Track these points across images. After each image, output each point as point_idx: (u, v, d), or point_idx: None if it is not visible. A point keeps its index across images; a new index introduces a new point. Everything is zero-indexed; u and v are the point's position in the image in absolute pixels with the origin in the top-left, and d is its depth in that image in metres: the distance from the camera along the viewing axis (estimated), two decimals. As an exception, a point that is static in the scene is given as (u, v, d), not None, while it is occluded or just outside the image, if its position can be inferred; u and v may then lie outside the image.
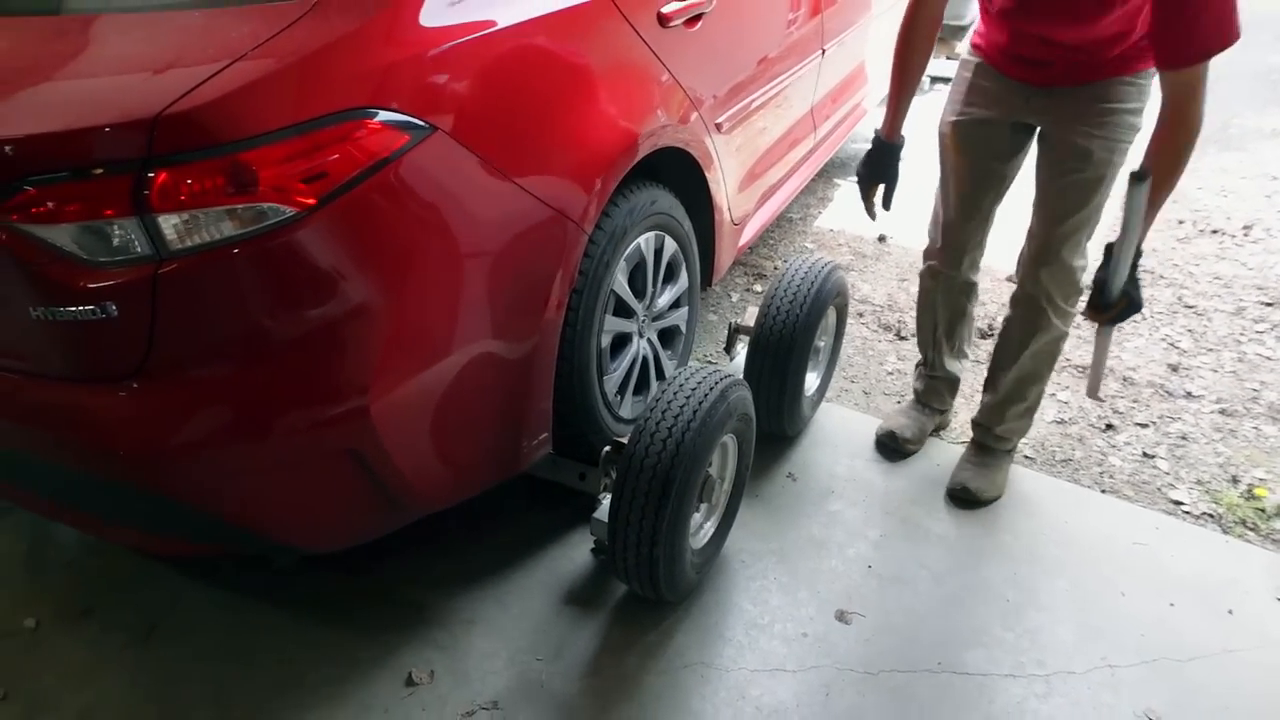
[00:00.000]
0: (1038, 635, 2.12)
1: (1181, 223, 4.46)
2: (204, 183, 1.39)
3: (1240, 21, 1.79)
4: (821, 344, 2.78)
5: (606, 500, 2.07)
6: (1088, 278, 2.25)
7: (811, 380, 2.76)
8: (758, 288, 3.68)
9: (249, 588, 2.21)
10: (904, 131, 2.40)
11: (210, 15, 1.63)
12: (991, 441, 2.61)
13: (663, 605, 2.13)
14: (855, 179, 2.46)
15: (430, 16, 1.64)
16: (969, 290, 2.65)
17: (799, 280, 2.50)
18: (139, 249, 1.43)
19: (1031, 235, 2.34)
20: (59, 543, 2.39)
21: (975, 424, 2.65)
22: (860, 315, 3.49)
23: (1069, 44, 2.07)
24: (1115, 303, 2.01)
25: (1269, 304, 3.69)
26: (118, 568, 2.29)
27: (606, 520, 1.98)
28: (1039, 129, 2.29)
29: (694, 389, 1.95)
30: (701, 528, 2.18)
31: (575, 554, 2.29)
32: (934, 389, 2.79)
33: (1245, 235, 4.35)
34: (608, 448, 2.06)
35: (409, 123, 1.56)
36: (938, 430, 2.83)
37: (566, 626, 2.10)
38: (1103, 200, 2.23)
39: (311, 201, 1.45)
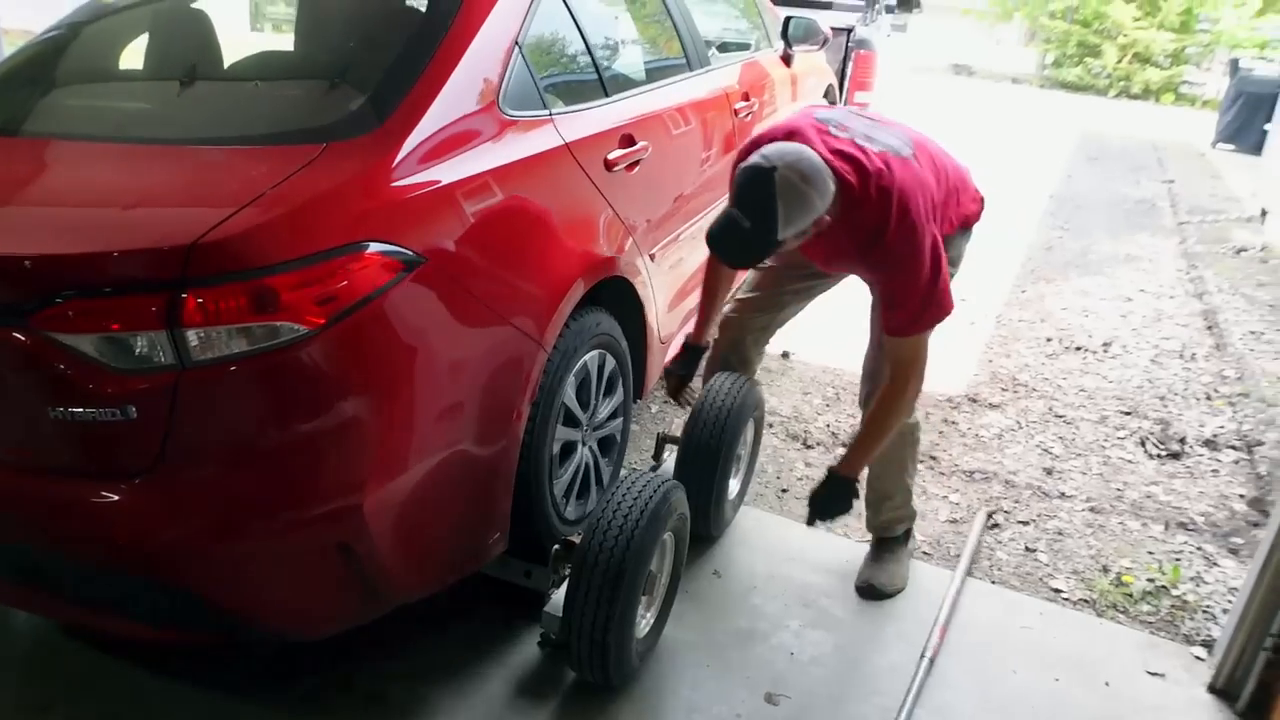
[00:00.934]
0: (942, 711, 2.35)
1: (1049, 340, 4.94)
2: (231, 302, 1.59)
3: (952, 298, 2.30)
4: (742, 453, 3.02)
5: (556, 594, 2.25)
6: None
7: (733, 486, 2.98)
8: (657, 393, 3.94)
9: (210, 680, 2.29)
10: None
11: (232, 152, 1.85)
12: (883, 533, 2.84)
13: (608, 691, 2.30)
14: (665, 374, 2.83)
15: (411, 169, 1.89)
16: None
17: (723, 395, 2.75)
18: (163, 358, 1.60)
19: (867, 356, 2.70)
20: (12, 640, 2.44)
21: (867, 523, 2.88)
22: (770, 426, 3.78)
23: None
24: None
25: (1128, 413, 4.12)
26: (74, 663, 2.34)
27: (559, 613, 2.17)
28: None
29: (640, 491, 2.18)
30: (643, 618, 2.37)
31: (523, 645, 2.44)
32: None
33: (1105, 351, 4.84)
34: (558, 546, 2.26)
35: (403, 254, 1.79)
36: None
37: (521, 712, 2.25)
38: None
39: (322, 321, 1.66)
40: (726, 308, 2.92)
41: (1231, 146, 12.01)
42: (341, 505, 1.75)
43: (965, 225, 2.61)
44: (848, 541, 3.04)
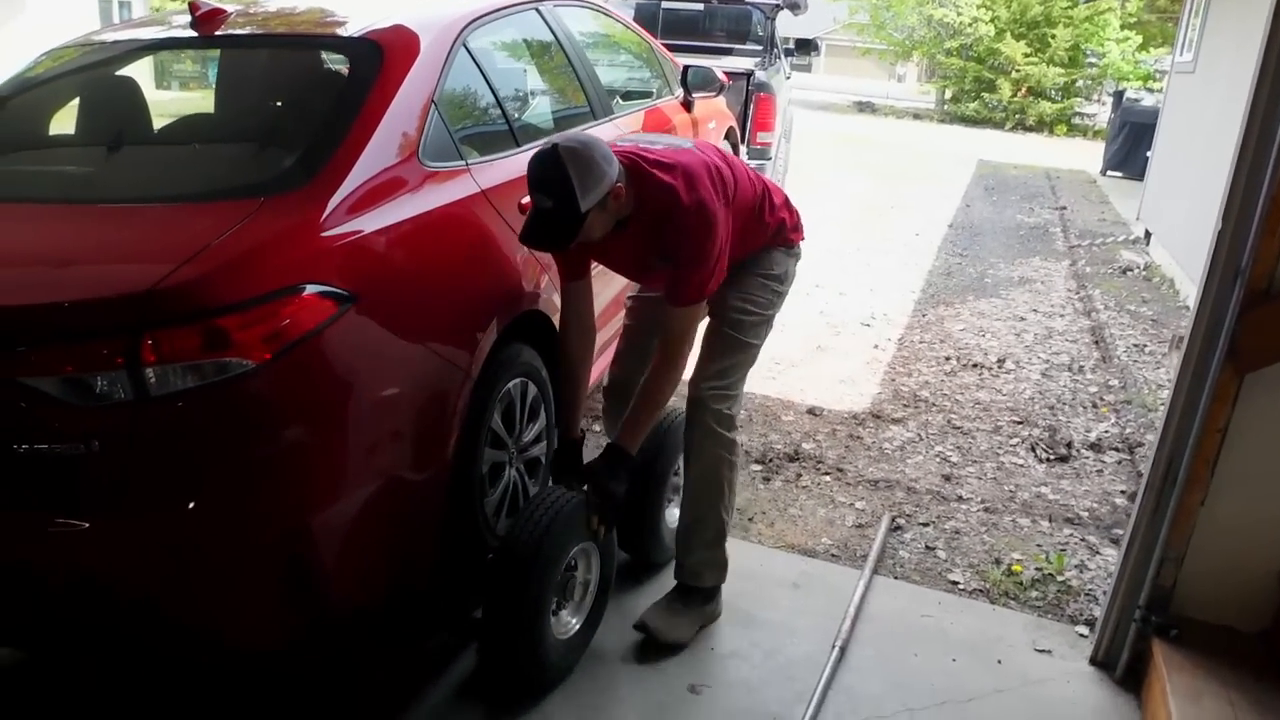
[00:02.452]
0: (851, 691, 2.58)
1: (948, 359, 5.27)
2: (185, 343, 1.77)
3: (723, 274, 2.49)
4: (678, 480, 3.10)
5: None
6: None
7: (672, 513, 3.09)
8: (596, 427, 4.15)
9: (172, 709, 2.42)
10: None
11: (177, 209, 2.05)
12: (689, 580, 2.76)
13: (547, 686, 2.47)
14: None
15: (340, 218, 2.10)
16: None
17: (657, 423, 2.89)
18: (122, 395, 1.77)
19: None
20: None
21: (675, 566, 2.81)
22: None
23: None
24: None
25: (1020, 422, 4.45)
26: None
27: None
28: None
29: (554, 502, 2.40)
30: (569, 623, 2.55)
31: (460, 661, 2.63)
32: None
33: (1000, 367, 5.19)
34: (491, 555, 2.46)
35: (338, 294, 1.98)
36: None
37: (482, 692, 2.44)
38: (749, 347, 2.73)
39: (268, 356, 1.85)
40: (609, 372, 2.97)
41: (1120, 174, 12.73)
42: (290, 524, 1.93)
43: (788, 243, 2.80)
44: (762, 548, 3.27)
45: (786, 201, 2.83)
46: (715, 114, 5.22)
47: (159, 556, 1.85)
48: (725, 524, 2.76)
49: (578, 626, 2.58)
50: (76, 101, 2.84)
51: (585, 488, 2.50)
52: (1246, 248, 2.23)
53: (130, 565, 1.84)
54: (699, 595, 2.78)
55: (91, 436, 1.78)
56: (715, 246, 2.41)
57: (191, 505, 1.84)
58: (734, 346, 2.70)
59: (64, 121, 2.81)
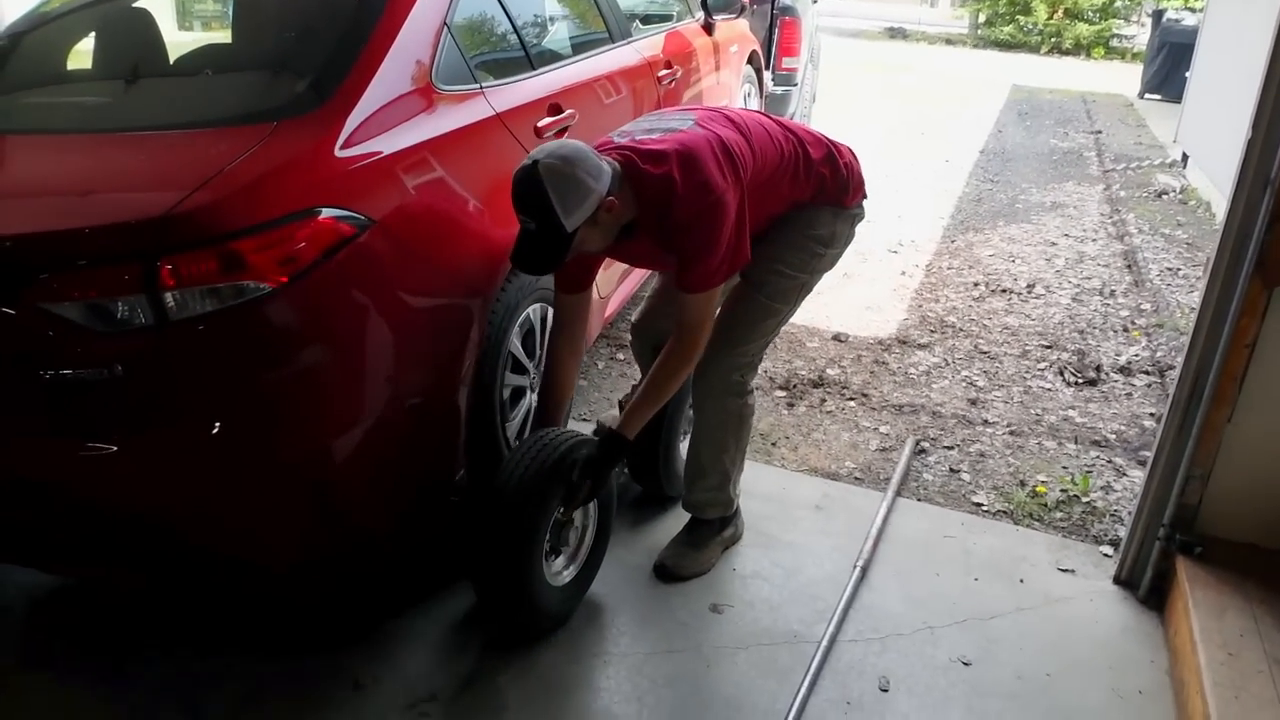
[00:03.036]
0: (872, 610, 2.61)
1: (977, 285, 5.22)
2: (202, 267, 1.79)
3: (748, 250, 2.32)
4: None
5: None
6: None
7: (685, 447, 3.01)
8: (620, 355, 4.17)
9: (205, 625, 2.50)
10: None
11: (191, 135, 2.06)
12: (696, 513, 2.78)
13: (544, 632, 2.46)
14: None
15: (354, 141, 2.10)
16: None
17: None
18: (143, 320, 1.80)
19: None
20: (9, 597, 2.62)
21: (683, 500, 2.82)
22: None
23: None
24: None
25: (1048, 346, 4.41)
26: (72, 617, 2.54)
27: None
28: None
29: (539, 451, 2.30)
30: (565, 569, 2.51)
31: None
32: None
33: (1029, 292, 5.13)
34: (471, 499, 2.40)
35: (354, 218, 1.99)
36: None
37: (485, 631, 2.47)
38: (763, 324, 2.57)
39: (284, 279, 1.86)
40: (638, 310, 2.85)
41: (1158, 96, 12.39)
42: (312, 445, 1.96)
43: (836, 203, 2.57)
44: (785, 472, 3.28)
45: (835, 159, 2.55)
46: (738, 38, 5.14)
47: (185, 478, 1.89)
48: (730, 473, 2.72)
49: (574, 574, 2.53)
50: (92, 35, 2.84)
51: (579, 465, 2.33)
52: (1277, 157, 2.17)
53: (158, 487, 1.88)
54: (707, 527, 2.78)
55: (115, 361, 1.81)
56: (724, 230, 2.21)
57: (215, 427, 1.87)
58: (756, 312, 2.55)
59: (81, 56, 2.82)
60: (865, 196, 2.66)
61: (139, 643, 2.44)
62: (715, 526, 2.78)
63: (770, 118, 2.55)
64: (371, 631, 2.46)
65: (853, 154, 2.65)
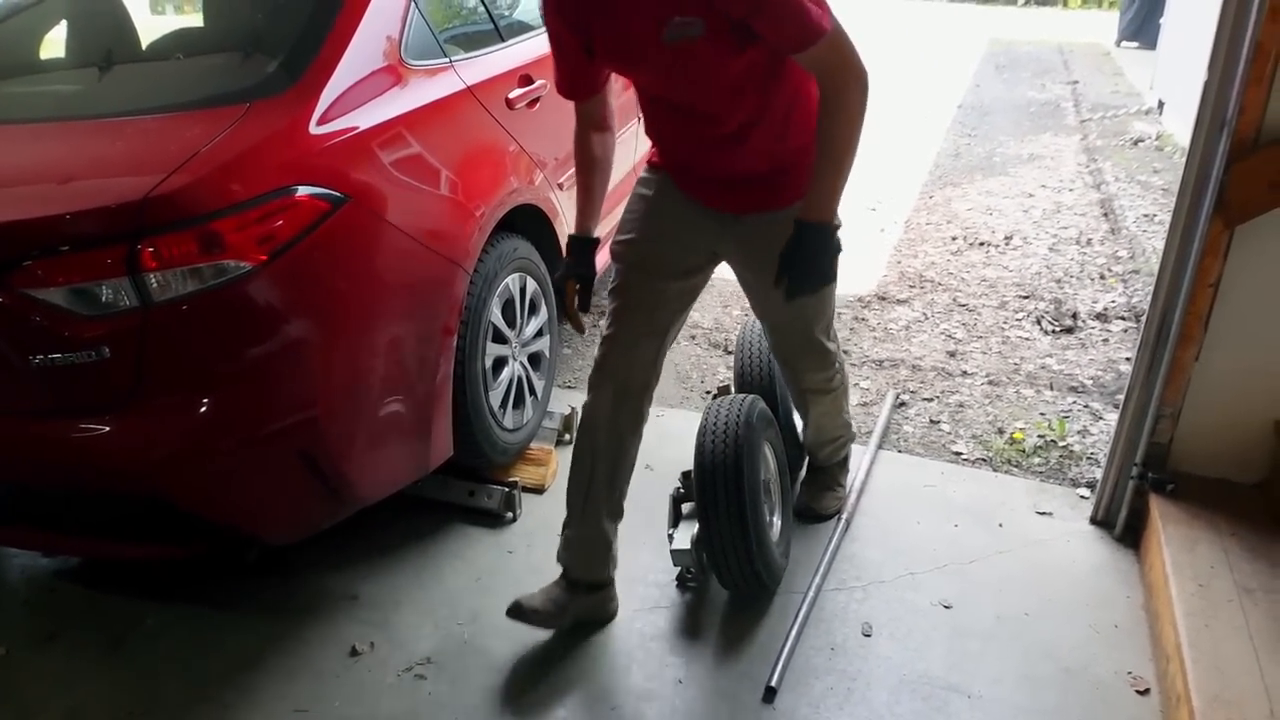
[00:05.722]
0: (854, 559, 2.67)
1: (955, 239, 5.27)
2: (182, 248, 1.83)
3: None
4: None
5: (677, 533, 2.44)
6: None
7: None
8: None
9: (203, 599, 2.55)
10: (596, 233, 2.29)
11: (165, 119, 2.09)
12: (824, 462, 2.86)
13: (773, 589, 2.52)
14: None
15: (326, 119, 2.13)
16: (635, 427, 2.35)
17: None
18: (127, 302, 1.84)
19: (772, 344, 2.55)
20: (8, 586, 2.68)
21: (809, 456, 2.91)
22: (693, 338, 4.06)
23: (738, 166, 2.12)
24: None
25: (1026, 297, 4.47)
26: (70, 598, 2.60)
27: (688, 546, 2.38)
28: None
29: (729, 408, 2.37)
30: (773, 524, 2.52)
31: (471, 542, 2.73)
32: (578, 555, 2.38)
33: (1007, 244, 5.18)
34: (678, 485, 2.48)
35: (329, 195, 2.03)
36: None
37: (477, 596, 2.53)
38: (831, 295, 2.37)
39: (264, 258, 1.90)
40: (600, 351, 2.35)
41: (1135, 43, 12.39)
42: (299, 418, 2.02)
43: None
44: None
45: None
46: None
47: (176, 453, 1.94)
48: (850, 422, 2.82)
49: (780, 525, 2.59)
50: (64, 24, 2.86)
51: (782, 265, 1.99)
52: (1231, 98, 2.22)
53: (151, 463, 1.93)
54: (841, 464, 2.91)
55: (103, 343, 1.86)
56: None
57: (203, 405, 1.92)
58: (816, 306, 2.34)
59: (53, 45, 2.84)
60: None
61: (138, 617, 2.49)
62: (843, 463, 2.92)
63: None
64: (365, 600, 2.52)
65: None
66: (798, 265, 1.97)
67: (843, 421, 2.79)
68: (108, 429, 1.90)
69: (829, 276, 2.00)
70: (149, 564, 2.61)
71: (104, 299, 1.85)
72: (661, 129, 2.20)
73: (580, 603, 2.36)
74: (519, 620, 2.27)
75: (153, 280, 1.83)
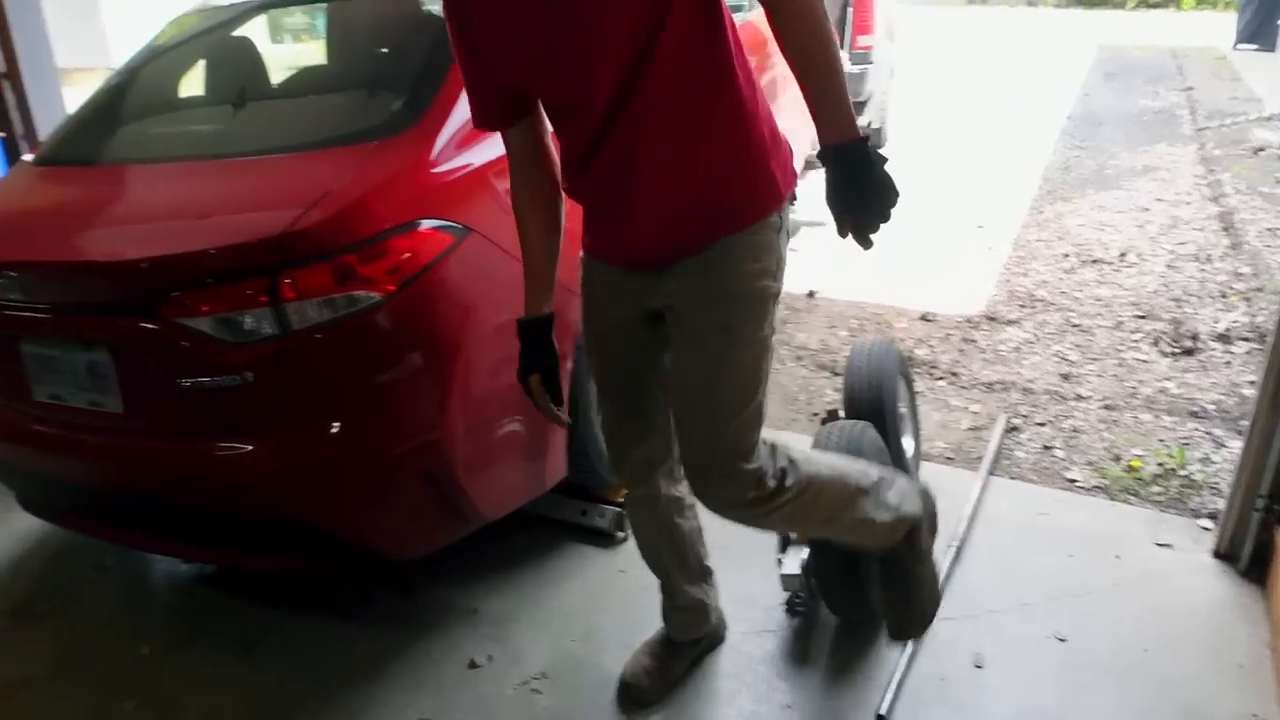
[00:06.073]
0: (967, 589, 2.64)
1: (1066, 256, 5.16)
2: (318, 279, 1.94)
3: None
4: (904, 410, 2.95)
5: (788, 556, 2.43)
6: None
7: (908, 442, 2.95)
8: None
9: (332, 609, 2.68)
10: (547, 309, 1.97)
11: (298, 158, 2.24)
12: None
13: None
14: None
15: (446, 155, 2.24)
16: (678, 507, 2.17)
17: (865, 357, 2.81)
18: (268, 330, 1.95)
19: (683, 445, 1.90)
20: (153, 589, 2.85)
21: None
22: (799, 359, 4.07)
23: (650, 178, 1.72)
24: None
25: (1143, 316, 4.35)
26: (208, 602, 2.77)
27: (797, 571, 2.36)
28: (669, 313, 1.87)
29: (840, 434, 2.33)
30: None
31: (585, 560, 2.80)
32: (677, 624, 2.35)
33: (1121, 261, 5.05)
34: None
35: (451, 227, 2.13)
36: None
37: (590, 613, 2.59)
38: (763, 381, 1.85)
39: (393, 288, 2.01)
40: None
41: (1253, 46, 11.94)
42: (423, 439, 2.12)
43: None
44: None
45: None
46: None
47: (311, 472, 2.06)
48: (867, 522, 2.07)
49: None
50: (201, 64, 3.03)
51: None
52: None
53: (288, 481, 2.07)
54: (905, 549, 2.21)
55: (246, 369, 1.98)
56: None
57: (336, 426, 2.03)
58: (747, 386, 1.83)
59: (192, 83, 3.01)
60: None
61: (271, 624, 2.62)
62: (904, 546, 2.21)
63: None
64: (484, 614, 2.60)
65: None
66: (852, 193, 1.62)
67: (860, 534, 2.11)
68: (250, 448, 2.03)
69: (893, 193, 1.61)
70: (279, 574, 2.74)
71: (247, 327, 1.97)
72: (565, 160, 1.85)
73: (689, 654, 2.39)
74: (631, 703, 2.28)
75: (291, 310, 1.94)
